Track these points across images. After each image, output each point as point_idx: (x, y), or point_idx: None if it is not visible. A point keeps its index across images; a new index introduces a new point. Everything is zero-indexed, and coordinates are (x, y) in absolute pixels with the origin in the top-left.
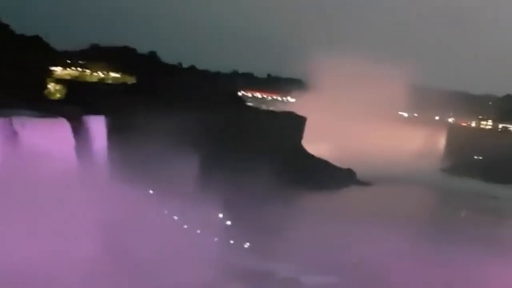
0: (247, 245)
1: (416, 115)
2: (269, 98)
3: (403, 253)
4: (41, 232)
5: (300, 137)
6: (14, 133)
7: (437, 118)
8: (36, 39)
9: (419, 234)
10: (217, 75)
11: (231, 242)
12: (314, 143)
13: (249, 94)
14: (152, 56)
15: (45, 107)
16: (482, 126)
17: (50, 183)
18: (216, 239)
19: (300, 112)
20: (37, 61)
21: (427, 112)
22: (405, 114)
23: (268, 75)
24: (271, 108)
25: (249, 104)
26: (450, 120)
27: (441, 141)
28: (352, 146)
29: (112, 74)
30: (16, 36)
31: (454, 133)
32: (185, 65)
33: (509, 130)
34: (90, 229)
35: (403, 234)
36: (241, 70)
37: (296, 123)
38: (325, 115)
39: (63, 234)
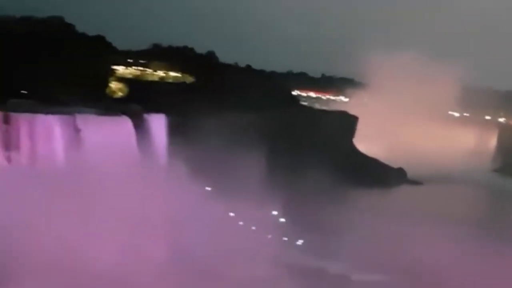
0: (299, 242)
1: (467, 114)
2: (323, 97)
3: (453, 253)
4: (102, 228)
5: (352, 136)
6: (77, 130)
7: (488, 118)
8: (99, 39)
9: (469, 234)
10: (272, 75)
11: (285, 239)
12: (365, 142)
13: (303, 93)
14: (210, 56)
15: (108, 105)
16: None
17: (111, 179)
18: (270, 236)
19: (352, 111)
20: (100, 60)
21: (478, 112)
22: (456, 114)
23: (322, 74)
24: (324, 107)
25: (303, 103)
26: (501, 120)
27: (492, 141)
28: (403, 145)
29: (172, 74)
30: (80, 36)
31: (505, 133)
32: (241, 65)
33: None
34: (149, 225)
35: (453, 234)
36: (295, 69)
37: (348, 122)
38: (377, 114)
39: (123, 230)
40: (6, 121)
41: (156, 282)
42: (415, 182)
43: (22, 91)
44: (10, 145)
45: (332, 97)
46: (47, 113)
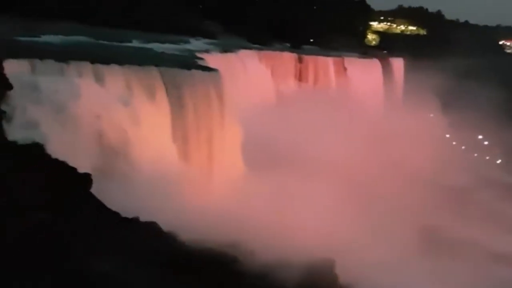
0: (499, 161)
1: None
2: None
3: None
4: (359, 139)
5: None
6: (345, 69)
7: None
8: (361, 2)
9: None
10: (484, 28)
11: (487, 158)
12: None
13: (508, 43)
14: (438, 14)
15: (365, 51)
16: None
17: (359, 102)
18: (475, 155)
19: None
20: (361, 18)
21: None
22: None
23: None
24: None
25: (508, 51)
26: None
27: None
28: None
29: (410, 27)
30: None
31: None
32: (461, 20)
33: None
34: (390, 142)
35: None
36: (503, 23)
37: None
38: None
39: (372, 142)
40: (300, 61)
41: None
42: None
43: (311, 40)
44: (301, 77)
45: None
46: (326, 56)
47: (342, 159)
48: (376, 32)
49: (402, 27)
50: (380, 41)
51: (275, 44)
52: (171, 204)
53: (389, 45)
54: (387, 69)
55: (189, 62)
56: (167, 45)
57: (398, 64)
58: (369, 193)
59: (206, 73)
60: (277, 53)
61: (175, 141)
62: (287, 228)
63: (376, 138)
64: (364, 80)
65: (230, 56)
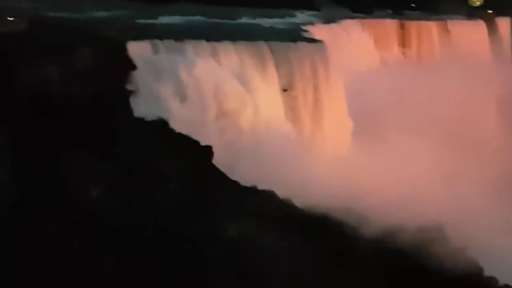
0: None
1: None
2: None
3: None
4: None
5: None
6: (448, 32)
7: None
8: None
9: None
10: None
11: None
12: None
13: None
14: None
15: (469, 12)
16: None
17: (469, 68)
18: None
19: None
20: None
21: None
22: None
23: None
24: None
25: None
26: None
27: None
28: None
29: None
30: None
31: None
32: None
33: None
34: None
35: None
36: None
37: None
38: None
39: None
40: (402, 27)
41: None
42: None
43: (412, 4)
44: (404, 43)
45: None
46: (428, 20)
47: (453, 123)
48: None
49: None
50: (485, 1)
51: (377, 11)
52: (286, 173)
53: (494, 5)
54: (493, 30)
55: (295, 35)
56: (274, 20)
57: (504, 24)
58: (485, 159)
59: (311, 45)
60: (380, 20)
61: (286, 112)
62: (399, 193)
63: (486, 103)
64: (469, 43)
65: (333, 26)
